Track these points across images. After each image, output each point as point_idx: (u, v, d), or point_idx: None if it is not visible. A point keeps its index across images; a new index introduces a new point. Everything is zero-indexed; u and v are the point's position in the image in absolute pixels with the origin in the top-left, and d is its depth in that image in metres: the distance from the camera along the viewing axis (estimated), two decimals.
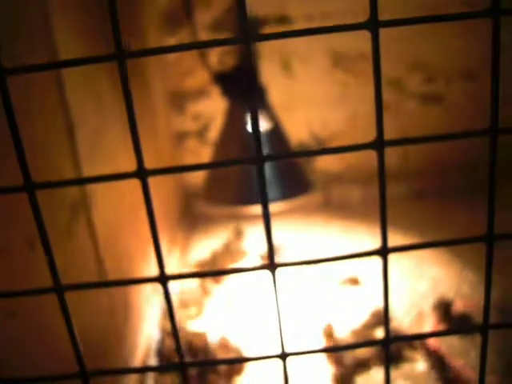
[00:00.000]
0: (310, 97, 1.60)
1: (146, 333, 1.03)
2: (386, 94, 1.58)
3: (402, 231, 1.39)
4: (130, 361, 0.92)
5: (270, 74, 1.30)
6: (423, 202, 1.61)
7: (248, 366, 1.00)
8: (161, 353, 1.05)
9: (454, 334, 0.37)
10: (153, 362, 1.02)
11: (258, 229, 1.33)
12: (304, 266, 0.29)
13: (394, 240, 1.30)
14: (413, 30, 1.47)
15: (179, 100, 1.62)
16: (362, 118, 1.55)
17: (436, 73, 1.57)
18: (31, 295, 0.29)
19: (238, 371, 0.99)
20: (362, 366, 0.96)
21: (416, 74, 1.57)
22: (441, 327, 1.02)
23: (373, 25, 0.24)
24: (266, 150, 1.13)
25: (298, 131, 1.60)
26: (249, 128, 1.01)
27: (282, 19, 1.51)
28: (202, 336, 1.05)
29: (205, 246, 1.49)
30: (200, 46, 0.25)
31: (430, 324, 1.04)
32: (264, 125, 1.02)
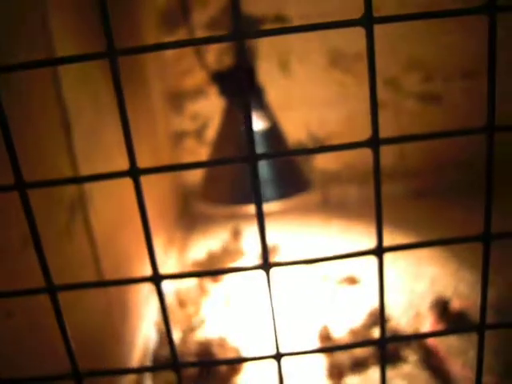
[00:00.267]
0: (308, 96, 1.59)
1: (144, 333, 1.03)
2: (384, 94, 1.58)
3: (400, 230, 1.39)
4: (128, 361, 0.92)
5: (267, 74, 1.29)
6: (421, 201, 1.61)
7: (246, 365, 0.99)
8: (158, 353, 1.05)
9: (450, 334, 0.36)
10: (150, 362, 1.02)
11: (256, 228, 1.32)
12: (298, 265, 0.29)
13: (392, 239, 1.29)
14: (410, 29, 1.48)
15: (177, 100, 1.61)
16: (360, 118, 1.55)
17: (434, 71, 1.57)
18: (23, 296, 0.29)
19: (237, 371, 0.98)
20: (360, 365, 0.96)
21: (414, 73, 1.57)
22: (439, 327, 1.02)
23: (367, 21, 0.23)
24: (263, 150, 1.12)
25: (295, 131, 1.60)
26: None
27: (279, 19, 1.51)
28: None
29: (203, 246, 1.49)
30: (191, 43, 0.25)
31: (427, 324, 1.04)
32: (261, 124, 1.01)
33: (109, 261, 0.84)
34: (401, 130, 1.59)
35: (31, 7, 0.64)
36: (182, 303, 1.20)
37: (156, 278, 0.28)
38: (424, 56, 1.54)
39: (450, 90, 1.58)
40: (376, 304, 1.10)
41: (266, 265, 0.28)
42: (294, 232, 1.51)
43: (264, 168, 0.99)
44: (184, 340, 1.06)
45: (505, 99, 0.74)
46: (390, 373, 0.94)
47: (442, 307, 1.06)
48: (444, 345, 0.97)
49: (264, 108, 1.05)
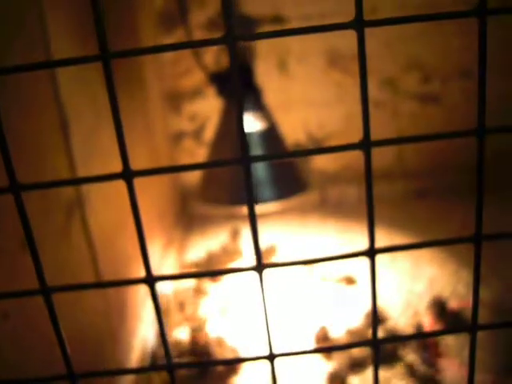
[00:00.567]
0: (306, 97, 1.59)
1: (142, 334, 1.03)
2: (383, 94, 1.58)
3: (399, 231, 1.39)
4: (126, 362, 0.92)
5: (265, 74, 1.30)
6: (420, 202, 1.61)
7: (244, 366, 0.99)
8: (156, 354, 1.05)
9: (443, 334, 0.36)
10: (148, 363, 1.02)
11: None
12: (292, 266, 0.29)
13: (391, 240, 1.29)
14: (409, 29, 1.47)
15: (176, 100, 1.61)
16: (359, 118, 1.54)
17: (432, 72, 1.57)
18: (17, 297, 0.29)
19: (235, 371, 0.99)
20: (358, 365, 0.96)
21: (412, 74, 1.57)
22: (437, 326, 1.03)
23: (358, 24, 0.24)
24: (261, 151, 1.12)
25: (294, 131, 1.60)
26: (244, 128, 1.01)
27: (277, 19, 1.51)
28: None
29: (201, 246, 1.49)
30: (186, 46, 0.25)
31: (426, 323, 1.04)
32: (260, 125, 1.02)
33: (107, 262, 0.84)
34: (399, 130, 1.59)
35: (28, 8, 0.64)
36: (179, 304, 1.20)
37: (149, 280, 0.28)
38: (422, 56, 1.54)
39: (449, 90, 1.58)
40: None
41: (259, 266, 0.28)
42: (292, 232, 1.51)
43: (262, 169, 0.99)
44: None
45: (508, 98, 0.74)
46: (388, 373, 0.94)
47: (439, 307, 1.06)
48: (441, 344, 0.97)
49: (262, 108, 1.05)
